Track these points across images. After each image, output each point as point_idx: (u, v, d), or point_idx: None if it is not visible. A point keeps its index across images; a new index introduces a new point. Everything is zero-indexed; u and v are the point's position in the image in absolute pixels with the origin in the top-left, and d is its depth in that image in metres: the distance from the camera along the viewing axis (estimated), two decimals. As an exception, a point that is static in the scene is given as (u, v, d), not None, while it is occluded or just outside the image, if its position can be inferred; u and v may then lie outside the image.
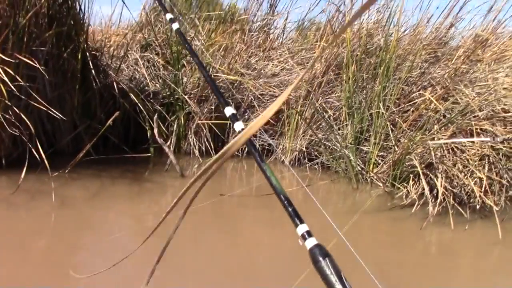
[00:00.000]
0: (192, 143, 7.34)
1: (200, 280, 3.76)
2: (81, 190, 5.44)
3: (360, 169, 6.75)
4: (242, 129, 1.62)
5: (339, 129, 7.12)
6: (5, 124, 5.36)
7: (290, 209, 1.26)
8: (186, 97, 7.25)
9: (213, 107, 7.31)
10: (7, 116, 5.37)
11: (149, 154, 6.81)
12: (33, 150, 5.32)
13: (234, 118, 1.73)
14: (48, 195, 4.91)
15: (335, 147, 6.94)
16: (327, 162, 7.23)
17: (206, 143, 7.36)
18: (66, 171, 5.66)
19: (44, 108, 5.50)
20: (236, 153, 7.22)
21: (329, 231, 1.63)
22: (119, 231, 4.52)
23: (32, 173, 5.26)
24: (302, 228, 1.24)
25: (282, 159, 7.45)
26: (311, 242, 1.21)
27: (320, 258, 1.16)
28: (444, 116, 6.57)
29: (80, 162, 5.71)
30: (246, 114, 7.55)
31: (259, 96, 7.49)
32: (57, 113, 5.54)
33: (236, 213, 5.41)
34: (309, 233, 1.24)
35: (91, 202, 5.18)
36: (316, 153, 7.30)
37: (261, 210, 5.49)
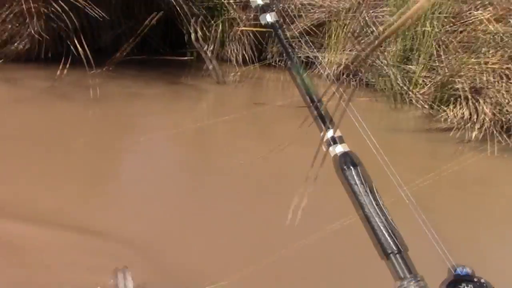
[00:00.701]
0: (231, 50, 7.21)
1: (237, 181, 3.80)
2: (119, 88, 5.50)
3: (402, 88, 6.54)
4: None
5: (385, 46, 6.83)
6: (49, 17, 5.37)
7: (318, 113, 1.21)
8: (230, 1, 7.01)
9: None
10: (52, 9, 5.36)
11: (188, 58, 6.75)
12: (76, 45, 5.34)
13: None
14: (88, 91, 5.00)
15: (379, 64, 6.70)
16: (368, 80, 7.03)
17: (246, 51, 7.21)
18: (106, 69, 5.70)
19: (86, 4, 5.43)
20: (278, 63, 7.09)
21: (364, 147, 1.56)
22: (154, 132, 4.59)
23: (74, 69, 5.32)
24: (329, 133, 1.18)
25: (322, 73, 7.28)
26: (340, 149, 1.16)
27: (348, 167, 1.12)
28: (501, 39, 6.18)
29: (121, 61, 5.72)
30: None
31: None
32: (98, 10, 5.48)
33: (274, 122, 5.39)
34: (339, 139, 1.18)
35: (129, 101, 5.25)
36: (358, 69, 7.09)
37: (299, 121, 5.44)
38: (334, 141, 1.18)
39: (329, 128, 1.18)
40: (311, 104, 1.21)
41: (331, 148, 1.17)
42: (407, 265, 1.07)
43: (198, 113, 5.25)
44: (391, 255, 1.07)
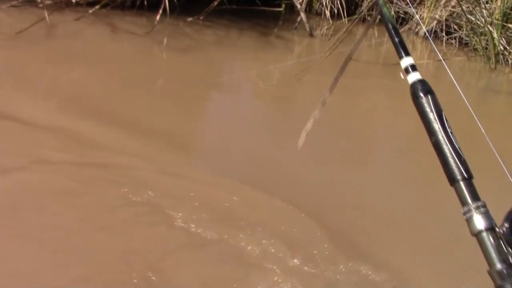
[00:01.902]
0: (324, 4, 7.13)
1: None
2: (212, 36, 5.67)
3: (502, 48, 6.16)
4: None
5: (486, 2, 6.42)
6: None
7: (396, 40, 1.22)
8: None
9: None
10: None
11: (280, 9, 6.77)
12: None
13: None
14: (182, 38, 5.22)
15: (478, 22, 6.33)
16: (466, 38, 6.68)
17: (339, 4, 7.09)
18: (200, 18, 5.86)
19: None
20: (368, 18, 6.92)
21: (456, 104, 1.52)
22: (244, 83, 4.72)
23: (169, 17, 5.54)
24: (406, 61, 1.19)
25: (417, 30, 7.01)
26: (414, 76, 1.17)
27: (422, 94, 1.14)
28: None
29: (214, 11, 5.86)
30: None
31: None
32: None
33: (361, 78, 5.33)
34: (413, 67, 1.19)
35: (220, 49, 5.41)
36: (455, 26, 6.75)
37: (384, 78, 5.35)
38: (413, 68, 1.19)
39: (408, 55, 1.19)
40: (392, 32, 1.21)
41: (408, 76, 1.18)
42: (472, 192, 1.10)
43: (286, 63, 5.30)
44: (457, 181, 1.10)
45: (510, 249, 0.99)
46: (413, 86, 1.17)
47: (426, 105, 1.15)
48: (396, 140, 4.19)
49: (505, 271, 0.98)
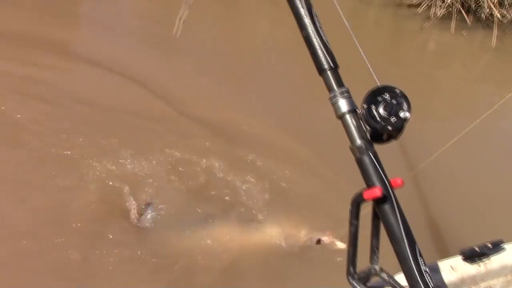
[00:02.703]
0: None
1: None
2: None
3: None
4: None
5: None
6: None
7: None
8: None
9: None
10: None
11: None
12: None
13: None
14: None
15: None
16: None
17: None
18: None
19: None
20: None
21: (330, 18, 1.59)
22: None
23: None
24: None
25: None
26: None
27: None
28: None
29: None
30: None
31: None
32: None
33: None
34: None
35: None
36: None
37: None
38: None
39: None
40: None
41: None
42: (338, 80, 1.22)
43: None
44: (324, 71, 1.21)
45: (368, 127, 1.13)
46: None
47: (297, 1, 1.22)
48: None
49: (363, 146, 1.13)
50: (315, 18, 1.21)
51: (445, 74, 4.87)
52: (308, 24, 1.21)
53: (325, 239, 2.59)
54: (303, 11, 1.21)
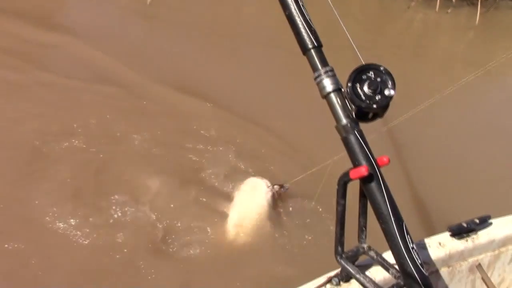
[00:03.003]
0: None
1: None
2: None
3: None
4: None
5: None
6: None
7: None
8: None
9: None
10: None
11: None
12: None
13: None
14: None
15: None
16: None
17: None
18: None
19: None
20: None
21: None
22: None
23: None
24: None
25: None
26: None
27: None
28: None
29: None
30: None
31: None
32: None
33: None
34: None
35: None
36: None
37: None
38: None
39: None
40: None
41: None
42: (322, 59, 1.21)
43: None
44: (309, 50, 1.19)
45: (353, 106, 1.12)
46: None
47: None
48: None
49: (349, 125, 1.12)
50: (301, 5, 1.19)
51: (430, 52, 4.89)
52: (290, 3, 1.19)
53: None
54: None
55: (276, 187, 2.59)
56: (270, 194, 2.53)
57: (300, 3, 1.20)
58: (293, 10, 1.19)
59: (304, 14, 1.19)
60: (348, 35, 1.31)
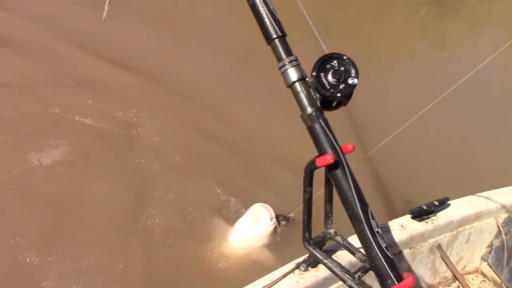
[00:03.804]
0: None
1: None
2: None
3: None
4: None
5: None
6: None
7: None
8: None
9: None
10: None
11: None
12: None
13: None
14: None
15: None
16: None
17: None
18: None
19: None
20: None
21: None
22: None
23: None
24: None
25: None
26: None
27: None
28: None
29: None
30: None
31: None
32: None
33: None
34: None
35: None
36: None
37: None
38: None
39: None
40: None
41: None
42: (286, 48, 1.22)
43: None
44: (273, 39, 1.20)
45: (317, 95, 1.14)
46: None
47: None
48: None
49: (314, 114, 1.14)
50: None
51: (385, 32, 5.01)
52: (255, -6, 1.19)
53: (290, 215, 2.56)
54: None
55: (279, 219, 2.54)
56: (272, 227, 2.50)
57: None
58: (256, 0, 1.19)
59: (267, 4, 1.19)
60: (310, 23, 1.32)
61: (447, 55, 4.99)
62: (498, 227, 2.05)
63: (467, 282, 1.99)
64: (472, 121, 4.31)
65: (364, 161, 3.11)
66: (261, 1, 1.19)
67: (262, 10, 1.19)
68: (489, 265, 2.08)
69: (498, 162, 3.67)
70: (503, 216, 2.06)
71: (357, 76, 1.14)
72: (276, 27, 1.19)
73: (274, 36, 1.19)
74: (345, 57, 1.15)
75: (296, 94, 1.16)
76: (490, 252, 2.09)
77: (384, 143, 2.02)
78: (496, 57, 2.02)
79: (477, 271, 2.13)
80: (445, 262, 1.91)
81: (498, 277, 2.02)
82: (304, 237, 1.24)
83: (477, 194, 2.05)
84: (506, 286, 1.98)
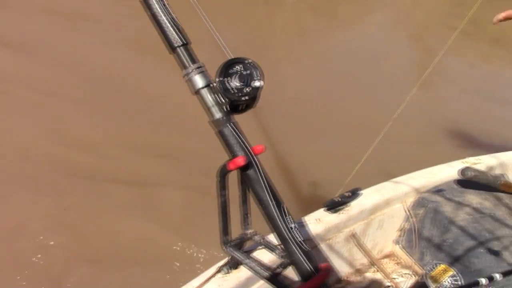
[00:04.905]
0: None
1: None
2: None
3: None
4: None
5: None
6: None
7: None
8: None
9: None
10: None
11: None
12: None
13: None
14: None
15: None
16: None
17: None
18: None
19: None
20: None
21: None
22: None
23: None
24: None
25: None
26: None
27: None
28: None
29: None
30: None
31: None
32: None
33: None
34: None
35: None
36: None
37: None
38: None
39: None
40: None
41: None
42: (190, 56, 1.23)
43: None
44: (176, 48, 1.21)
45: (224, 100, 1.16)
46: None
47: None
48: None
49: (222, 118, 1.16)
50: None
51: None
52: (153, 2, 1.18)
53: None
54: (147, -9, 1.19)
55: None
56: None
57: (164, 1, 1.19)
58: (156, 9, 1.19)
59: (169, 12, 1.19)
60: (213, 30, 1.33)
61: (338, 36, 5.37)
62: (407, 211, 2.18)
63: (382, 266, 2.10)
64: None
65: (277, 159, 3.19)
66: (162, 10, 1.19)
67: (163, 19, 1.19)
68: (401, 247, 2.22)
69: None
70: (410, 199, 2.20)
71: (262, 78, 1.17)
72: (179, 35, 1.19)
73: (177, 44, 1.19)
74: (248, 61, 1.18)
75: (203, 101, 1.17)
76: (401, 236, 2.23)
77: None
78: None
79: (391, 254, 2.26)
80: (361, 250, 2.01)
81: (411, 258, 2.15)
82: (223, 240, 1.25)
83: (386, 181, 2.18)
84: (418, 265, 2.11)
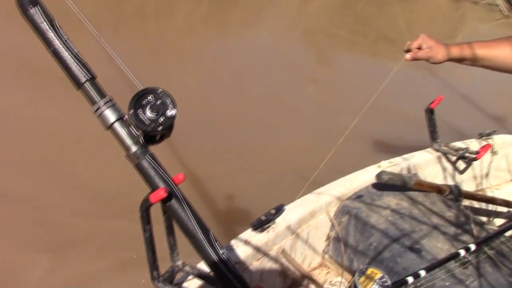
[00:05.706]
0: None
1: None
2: None
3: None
4: None
5: None
6: None
7: None
8: None
9: None
10: None
11: None
12: None
13: None
14: None
15: None
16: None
17: None
18: None
19: None
20: None
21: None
22: None
23: None
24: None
25: None
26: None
27: (29, 6, 1.11)
28: None
29: None
30: None
31: None
32: None
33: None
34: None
35: None
36: None
37: None
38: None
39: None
40: None
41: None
42: (98, 90, 1.19)
43: None
44: (83, 84, 1.17)
45: (138, 132, 1.14)
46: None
47: (36, 16, 1.14)
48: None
49: (138, 151, 1.13)
50: (60, 31, 1.15)
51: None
52: (53, 38, 1.14)
53: None
54: (44, 26, 1.14)
55: None
56: None
57: (64, 37, 1.15)
58: (57, 45, 1.14)
59: (70, 48, 1.15)
60: (120, 62, 1.31)
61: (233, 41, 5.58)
62: (331, 220, 2.24)
63: (314, 278, 2.14)
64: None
65: (197, 186, 3.17)
66: (63, 46, 1.15)
67: (65, 55, 1.15)
68: (330, 257, 2.27)
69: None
70: (333, 209, 2.27)
71: (174, 107, 1.16)
72: (84, 70, 1.15)
73: (83, 80, 1.15)
74: (159, 91, 1.17)
75: (117, 135, 1.14)
76: (328, 245, 2.28)
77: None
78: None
79: (321, 265, 2.31)
80: (291, 265, 2.03)
81: (340, 266, 2.21)
82: (152, 276, 1.22)
83: (308, 194, 2.23)
84: (348, 272, 2.17)
